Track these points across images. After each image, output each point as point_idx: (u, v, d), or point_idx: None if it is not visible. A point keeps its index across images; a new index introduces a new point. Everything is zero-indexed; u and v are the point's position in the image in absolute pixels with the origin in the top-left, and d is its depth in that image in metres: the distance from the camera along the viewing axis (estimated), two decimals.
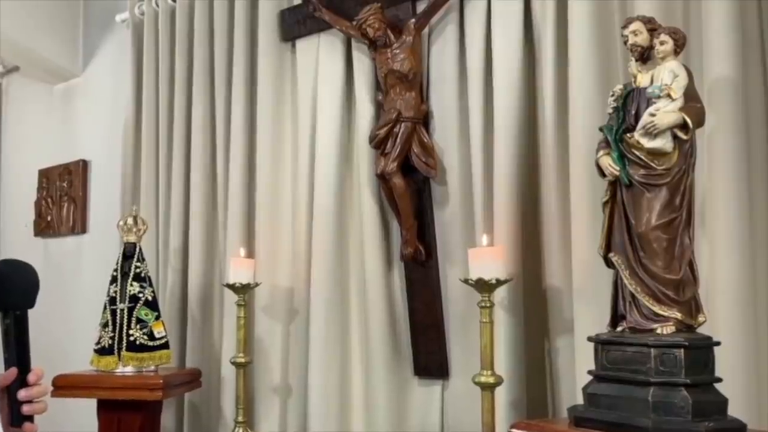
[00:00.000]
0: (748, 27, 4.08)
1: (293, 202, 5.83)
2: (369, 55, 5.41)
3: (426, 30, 5.24)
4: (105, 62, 7.60)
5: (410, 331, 5.32)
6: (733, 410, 3.35)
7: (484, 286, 4.24)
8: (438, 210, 5.21)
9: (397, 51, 5.15)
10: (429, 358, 5.25)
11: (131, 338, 5.42)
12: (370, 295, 5.37)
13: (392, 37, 5.19)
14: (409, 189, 5.17)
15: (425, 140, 5.13)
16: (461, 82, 5.12)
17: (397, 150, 5.11)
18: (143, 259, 5.66)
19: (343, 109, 5.61)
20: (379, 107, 5.38)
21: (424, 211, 5.22)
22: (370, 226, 5.41)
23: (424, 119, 5.19)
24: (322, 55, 5.72)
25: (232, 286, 5.49)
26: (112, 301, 5.53)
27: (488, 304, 4.26)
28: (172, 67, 6.59)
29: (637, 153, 3.46)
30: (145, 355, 5.43)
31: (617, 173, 3.52)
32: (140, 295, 5.51)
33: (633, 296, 3.48)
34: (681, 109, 3.40)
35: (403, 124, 5.11)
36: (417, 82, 5.19)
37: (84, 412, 5.54)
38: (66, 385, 5.32)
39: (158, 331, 5.50)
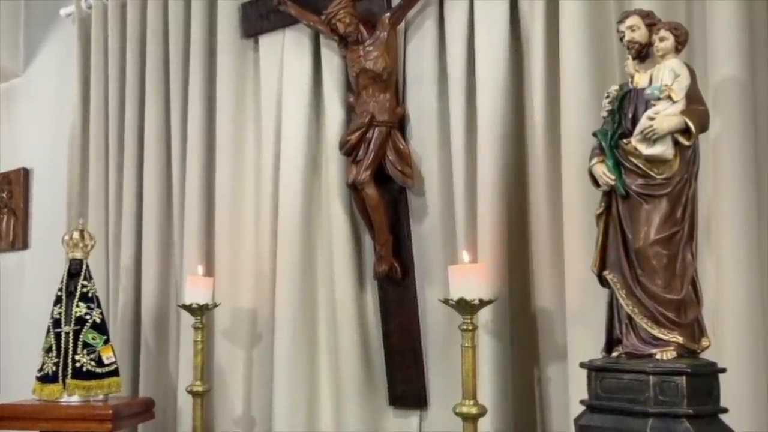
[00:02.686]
0: (757, 25, 4.08)
1: (256, 214, 5.79)
2: (339, 53, 5.38)
3: (402, 25, 5.21)
4: (49, 60, 7.54)
5: (385, 357, 5.28)
6: None
7: (466, 307, 4.20)
8: (415, 223, 5.18)
9: (370, 48, 5.12)
10: (405, 386, 5.21)
11: (77, 364, 5.34)
12: (341, 317, 5.32)
13: (365, 32, 5.16)
14: (383, 200, 5.13)
15: (401, 146, 5.10)
16: (441, 82, 5.09)
17: (371, 157, 5.07)
18: (91, 278, 5.59)
19: (310, 112, 5.57)
20: (350, 110, 5.35)
21: (400, 225, 5.18)
22: (341, 241, 5.37)
23: (399, 123, 5.16)
24: (287, 52, 5.68)
25: (188, 307, 5.44)
26: (57, 323, 5.46)
27: (471, 327, 4.22)
28: (122, 66, 6.53)
29: (634, 160, 3.43)
30: (93, 383, 5.36)
31: (612, 183, 3.49)
32: (87, 316, 5.44)
33: (630, 318, 3.45)
34: (683, 112, 3.38)
35: (376, 129, 5.08)
36: (392, 82, 5.15)
37: None
38: (6, 416, 5.27)
39: (107, 356, 5.44)
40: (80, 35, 6.86)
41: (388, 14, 5.15)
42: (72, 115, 6.83)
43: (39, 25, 7.58)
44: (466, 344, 4.22)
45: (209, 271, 5.74)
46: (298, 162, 5.52)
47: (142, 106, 6.35)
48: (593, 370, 3.54)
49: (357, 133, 5.10)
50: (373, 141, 5.07)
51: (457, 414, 4.26)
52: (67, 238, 5.68)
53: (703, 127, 3.44)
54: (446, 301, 4.26)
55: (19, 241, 7.56)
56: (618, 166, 3.48)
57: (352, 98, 5.29)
